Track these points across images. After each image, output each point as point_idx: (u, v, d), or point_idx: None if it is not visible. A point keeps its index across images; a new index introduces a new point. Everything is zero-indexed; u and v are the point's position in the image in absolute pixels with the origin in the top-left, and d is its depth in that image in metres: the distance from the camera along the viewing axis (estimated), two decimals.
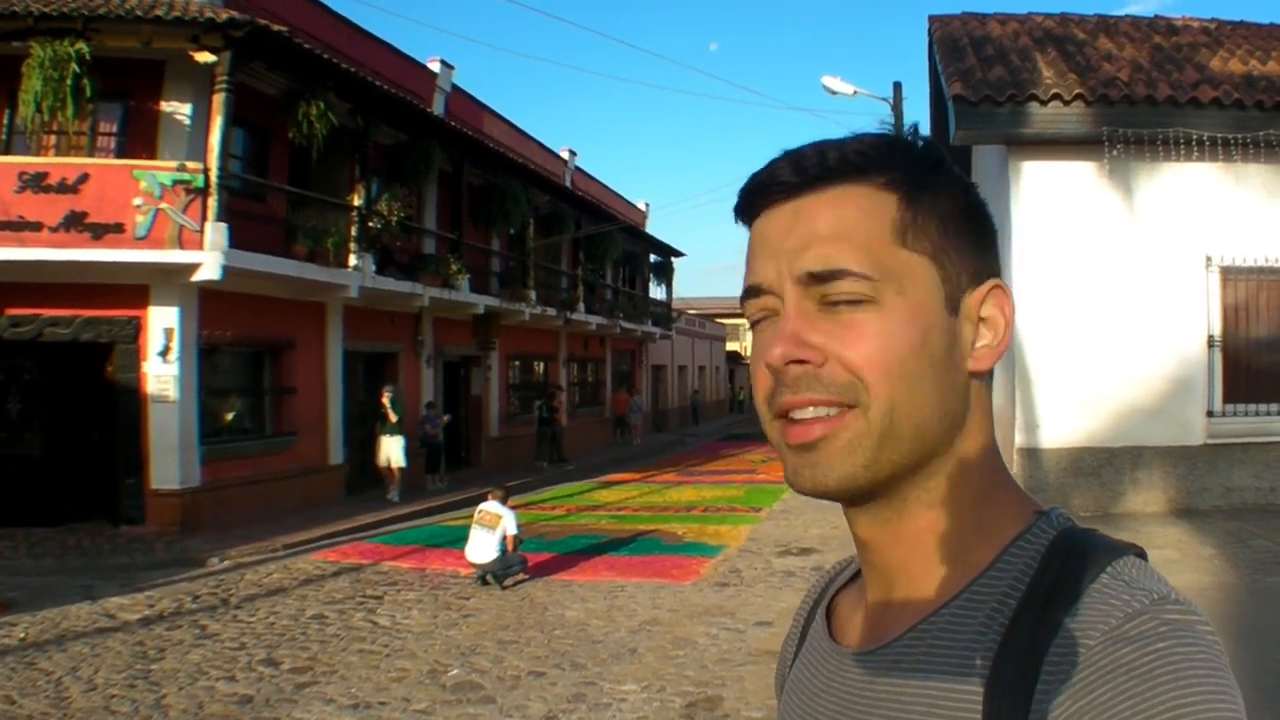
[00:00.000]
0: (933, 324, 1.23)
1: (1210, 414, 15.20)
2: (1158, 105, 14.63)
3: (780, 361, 1.19)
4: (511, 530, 14.96)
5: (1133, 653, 1.02)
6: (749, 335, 1.33)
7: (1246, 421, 15.22)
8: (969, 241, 1.29)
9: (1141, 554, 1.20)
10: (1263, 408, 15.33)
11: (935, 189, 1.27)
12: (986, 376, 1.30)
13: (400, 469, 24.58)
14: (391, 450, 24.59)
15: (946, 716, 1.14)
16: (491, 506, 15.22)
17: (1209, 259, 15.14)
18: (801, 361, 1.19)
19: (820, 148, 1.25)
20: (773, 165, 1.28)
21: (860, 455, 1.20)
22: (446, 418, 28.24)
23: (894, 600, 1.29)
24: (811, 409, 1.20)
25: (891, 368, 1.19)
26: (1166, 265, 15.12)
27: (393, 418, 24.51)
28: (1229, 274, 15.30)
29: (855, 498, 1.25)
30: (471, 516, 15.64)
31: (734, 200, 1.35)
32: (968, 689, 1.13)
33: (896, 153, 1.26)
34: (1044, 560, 1.18)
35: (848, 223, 1.21)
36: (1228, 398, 15.34)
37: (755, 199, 1.30)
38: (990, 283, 1.29)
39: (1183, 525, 13.99)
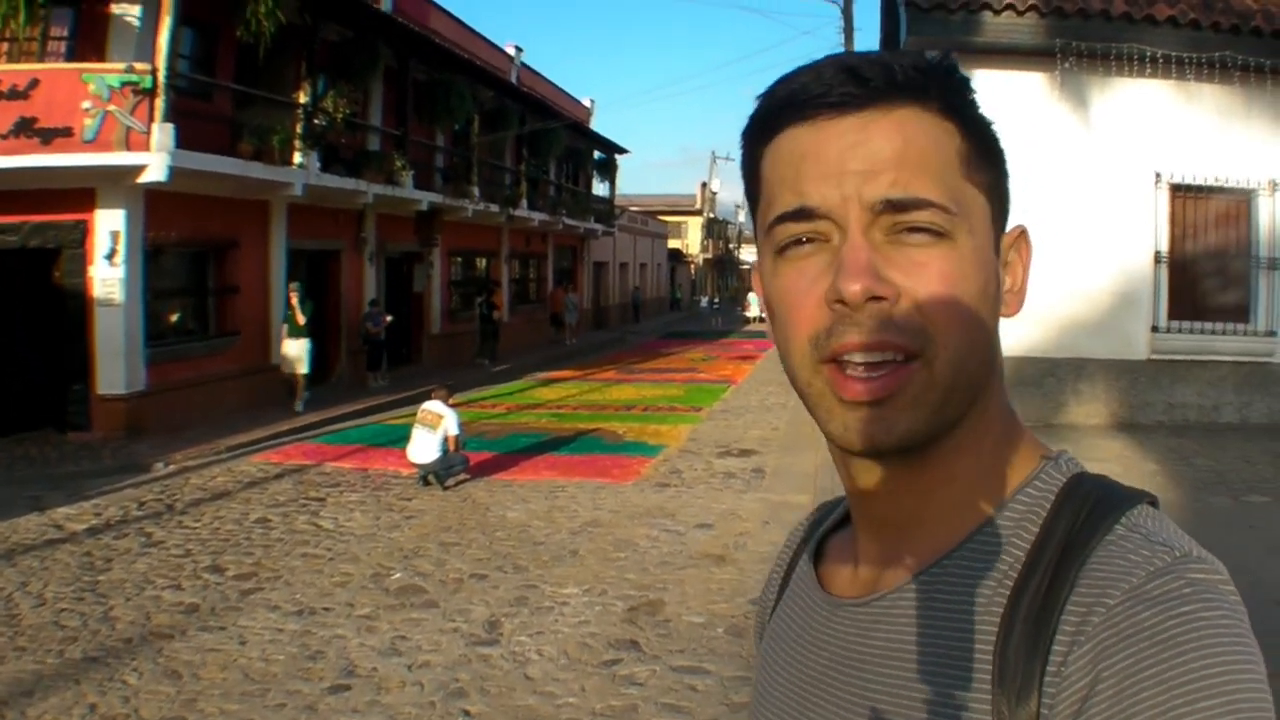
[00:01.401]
0: (990, 268, 1.19)
1: (1155, 329, 15.27)
2: (1112, 20, 14.51)
3: (861, 296, 1.09)
4: (453, 430, 15.04)
5: (1156, 615, 1.00)
6: (775, 262, 1.20)
7: (1191, 339, 15.27)
8: (1005, 179, 1.26)
9: (1154, 502, 1.16)
10: (1207, 325, 15.39)
11: (982, 120, 1.24)
12: None
13: (304, 375, 22.77)
14: (298, 354, 22.64)
15: (951, 672, 1.12)
16: (433, 406, 15.29)
17: (1158, 176, 15.16)
18: (878, 299, 1.10)
19: (876, 60, 1.17)
20: (819, 74, 1.17)
21: (925, 410, 1.13)
22: (389, 318, 28.05)
23: (892, 548, 1.25)
24: (881, 353, 1.11)
25: (961, 315, 1.13)
26: (1116, 181, 15.12)
27: (301, 319, 22.36)
28: (1178, 191, 15.32)
29: (900, 454, 1.17)
30: (414, 416, 15.77)
31: (750, 114, 1.26)
32: (977, 644, 1.10)
33: (949, 75, 1.20)
34: (1055, 508, 1.15)
35: (922, 149, 1.14)
36: (1173, 314, 15.32)
37: (791, 111, 1.18)
38: (1018, 227, 1.28)
39: (1125, 439, 14.14)
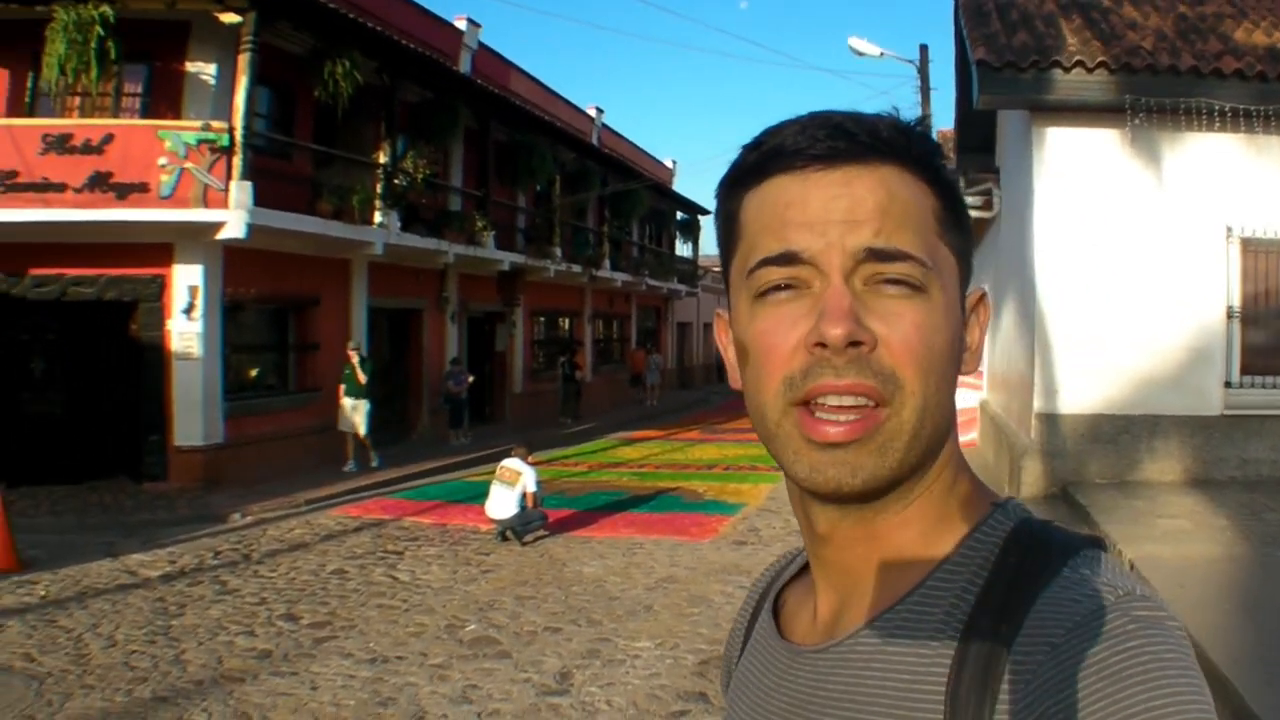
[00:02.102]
0: (958, 324, 1.22)
1: (1228, 385, 15.06)
2: (1180, 75, 14.46)
3: (843, 340, 1.11)
4: (531, 487, 15.06)
5: (1101, 651, 1.01)
6: (754, 307, 1.22)
7: (1264, 394, 15.07)
8: (971, 243, 1.28)
9: (1101, 545, 1.18)
10: None
11: (954, 184, 1.25)
12: None
13: (366, 436, 22.07)
14: (356, 415, 21.99)
15: (905, 716, 1.12)
16: (512, 463, 15.33)
17: (1229, 230, 14.98)
18: (857, 344, 1.12)
19: (861, 118, 1.20)
20: (805, 128, 1.20)
21: (891, 456, 1.15)
22: (471, 378, 28.13)
23: (848, 595, 1.27)
24: (852, 398, 1.13)
25: (930, 366, 1.15)
26: (1187, 235, 14.93)
27: (362, 378, 21.80)
28: (1249, 245, 15.12)
29: (862, 499, 1.20)
30: (493, 473, 15.72)
31: (733, 161, 1.29)
32: (927, 686, 1.11)
33: (926, 140, 1.23)
34: (1002, 553, 1.17)
35: (905, 204, 1.17)
36: (1245, 369, 15.16)
37: (778, 161, 1.21)
38: (980, 290, 1.30)
39: (1197, 495, 13.96)
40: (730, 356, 1.31)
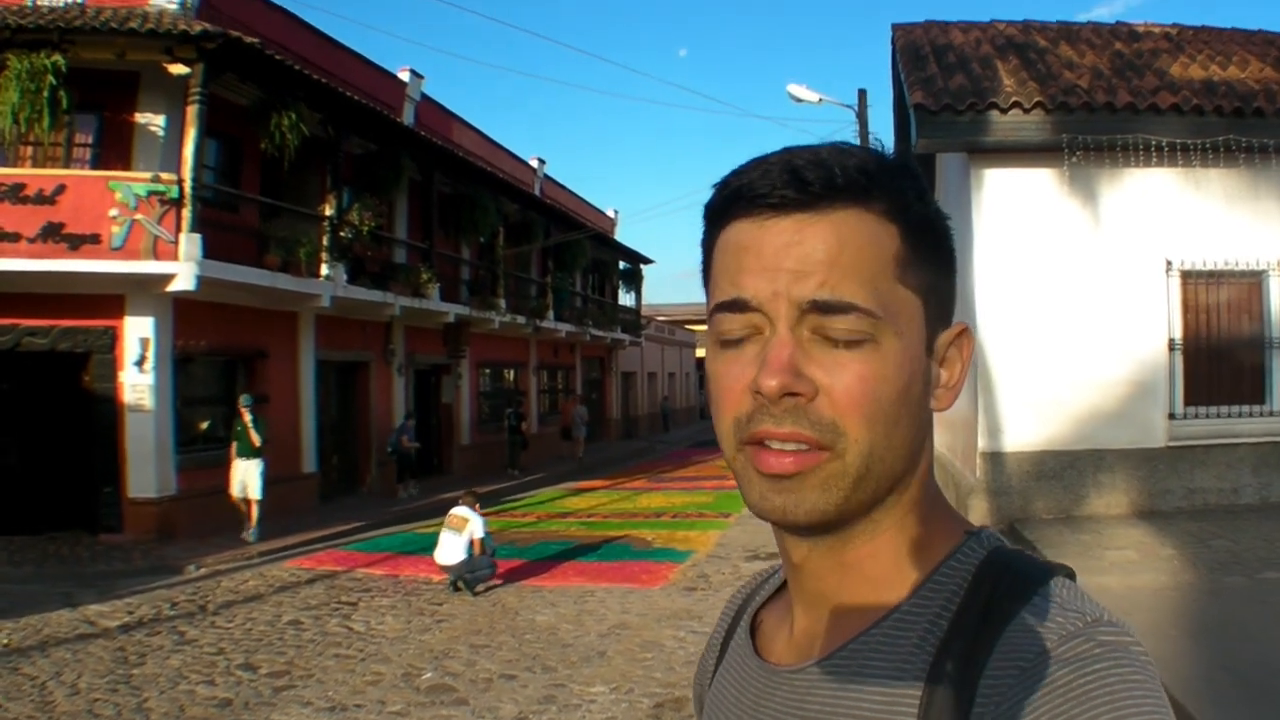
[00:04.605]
0: (917, 367, 1.22)
1: (1172, 416, 15.16)
2: (1117, 112, 14.62)
3: (777, 393, 1.14)
4: (478, 534, 15.09)
5: (1069, 674, 1.04)
6: (716, 349, 1.26)
7: (1208, 424, 15.20)
8: (947, 278, 1.29)
9: (1071, 574, 1.21)
10: (1224, 409, 15.24)
11: (927, 220, 1.26)
12: None
13: (258, 502, 19.84)
14: (248, 477, 19.83)
15: None
16: (460, 511, 15.36)
17: (1169, 263, 15.11)
18: (794, 394, 1.16)
19: (821, 161, 1.20)
20: (765, 172, 1.21)
21: (834, 495, 1.18)
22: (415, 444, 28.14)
23: (826, 619, 1.29)
24: (794, 443, 1.16)
25: (876, 414, 1.17)
26: (1127, 270, 15.05)
27: (255, 439, 19.75)
28: (1189, 277, 15.25)
29: (816, 530, 1.24)
30: (443, 524, 15.77)
31: (707, 198, 1.30)
32: (901, 709, 1.14)
33: (895, 177, 1.23)
34: (974, 580, 1.20)
35: (855, 252, 1.18)
36: (1189, 400, 15.25)
37: (739, 205, 1.23)
38: (959, 325, 1.30)
39: (1144, 527, 14.06)
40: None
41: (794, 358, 1.16)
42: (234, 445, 19.97)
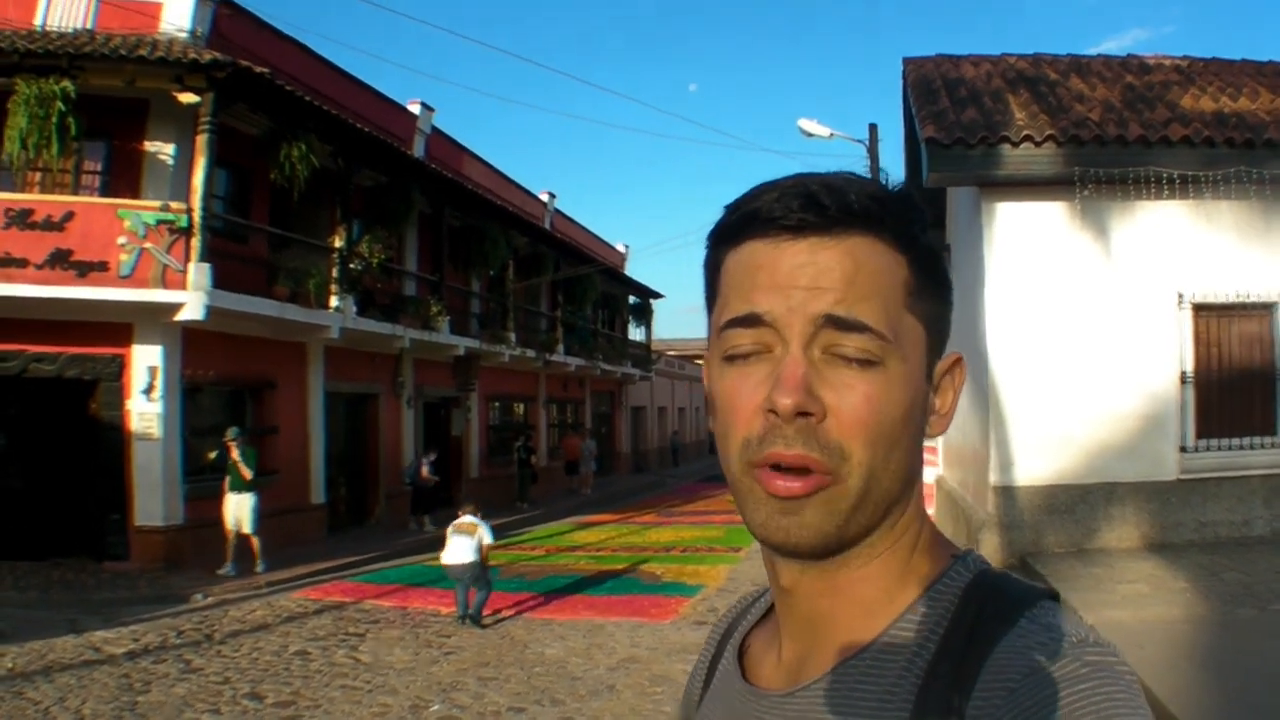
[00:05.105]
0: (918, 393, 1.24)
1: (1183, 449, 15.11)
2: (1129, 145, 14.58)
3: (791, 411, 1.16)
4: (487, 539, 15.11)
5: (1056, 695, 1.05)
6: (723, 366, 1.27)
7: (1219, 456, 15.13)
8: (947, 310, 1.31)
9: (1056, 597, 1.22)
10: (1235, 441, 15.20)
11: (933, 252, 1.28)
12: None
13: (254, 537, 19.41)
14: (241, 511, 19.36)
15: None
16: (469, 518, 15.37)
17: (1181, 296, 15.07)
18: (807, 414, 1.17)
19: (836, 187, 1.22)
20: (781, 195, 1.23)
21: (837, 516, 1.19)
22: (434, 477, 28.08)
23: (814, 643, 1.30)
24: (800, 467, 1.17)
25: (879, 436, 1.18)
26: (1139, 303, 15.04)
27: (246, 473, 19.27)
28: (1201, 310, 15.22)
29: (816, 554, 1.24)
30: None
31: (716, 221, 1.32)
32: None
33: (904, 209, 1.25)
34: (961, 604, 1.21)
35: (870, 276, 1.20)
36: (1200, 433, 15.23)
37: (754, 227, 1.25)
38: (953, 355, 1.33)
39: (1156, 560, 14.00)
40: (709, 398, 1.34)
41: (807, 376, 1.17)
42: (226, 479, 19.47)
